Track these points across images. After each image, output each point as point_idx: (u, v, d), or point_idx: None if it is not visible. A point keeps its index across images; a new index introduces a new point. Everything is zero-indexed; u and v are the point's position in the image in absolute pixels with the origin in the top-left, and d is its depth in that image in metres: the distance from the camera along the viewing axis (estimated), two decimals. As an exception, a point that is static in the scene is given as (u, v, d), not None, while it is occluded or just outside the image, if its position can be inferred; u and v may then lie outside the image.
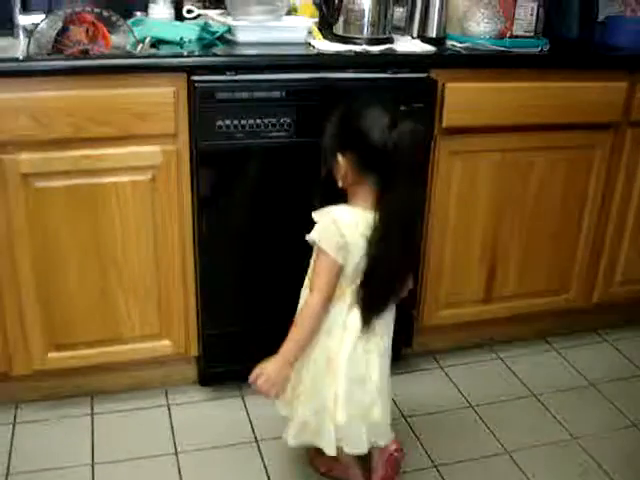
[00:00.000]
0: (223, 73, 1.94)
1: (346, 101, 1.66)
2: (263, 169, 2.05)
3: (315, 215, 1.63)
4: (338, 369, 1.67)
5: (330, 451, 1.70)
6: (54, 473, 1.95)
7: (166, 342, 2.18)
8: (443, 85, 2.10)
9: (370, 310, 1.66)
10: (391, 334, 1.75)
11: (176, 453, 2.04)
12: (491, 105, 2.17)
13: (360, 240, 1.60)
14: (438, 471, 2.02)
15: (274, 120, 1.98)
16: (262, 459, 2.03)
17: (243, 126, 1.96)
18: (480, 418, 2.25)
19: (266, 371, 1.65)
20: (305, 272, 2.14)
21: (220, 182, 2.03)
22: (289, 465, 2.02)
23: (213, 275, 2.13)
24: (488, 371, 2.50)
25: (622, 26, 2.45)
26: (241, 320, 2.22)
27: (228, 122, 1.95)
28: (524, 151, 2.28)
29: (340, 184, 1.64)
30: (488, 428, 2.20)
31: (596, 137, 2.35)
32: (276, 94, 1.97)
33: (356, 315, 1.66)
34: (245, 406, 2.24)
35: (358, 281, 1.64)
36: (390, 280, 1.67)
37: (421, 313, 2.39)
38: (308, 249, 2.14)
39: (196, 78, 1.92)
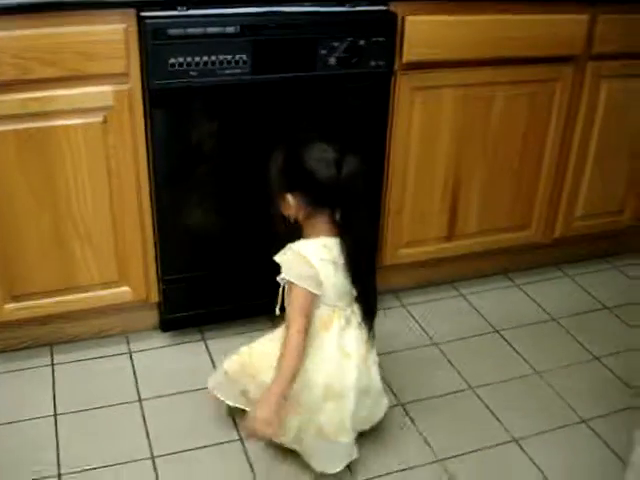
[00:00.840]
0: (174, 8, 1.86)
1: (287, 138, 1.72)
2: (219, 108, 1.99)
3: (277, 257, 1.68)
4: (344, 394, 1.70)
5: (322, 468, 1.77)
6: (15, 426, 1.91)
7: (125, 289, 2.13)
8: (403, 18, 2.04)
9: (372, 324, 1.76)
10: None
11: (140, 400, 2.02)
12: (452, 39, 2.12)
13: (329, 266, 1.65)
14: (404, 409, 2.03)
15: (229, 57, 1.91)
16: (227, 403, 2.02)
17: (197, 64, 1.89)
18: (443, 355, 2.26)
19: (261, 416, 1.60)
20: (264, 212, 2.13)
21: (175, 123, 1.96)
22: (255, 408, 2.01)
23: (171, 219, 2.08)
24: (450, 308, 2.51)
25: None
26: (201, 265, 2.18)
27: (181, 60, 1.87)
28: (485, 86, 2.25)
29: (292, 220, 1.71)
30: (452, 365, 2.22)
31: (557, 71, 2.32)
32: (230, 30, 1.90)
33: (353, 337, 1.73)
34: (208, 350, 2.22)
35: (342, 304, 1.71)
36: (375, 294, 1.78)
37: (383, 251, 2.38)
38: (267, 190, 2.11)
39: (146, 14, 1.83)
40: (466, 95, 2.23)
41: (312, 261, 1.63)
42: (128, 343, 2.24)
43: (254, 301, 2.30)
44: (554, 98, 2.36)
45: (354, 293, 1.72)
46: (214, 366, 2.14)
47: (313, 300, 1.66)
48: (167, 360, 2.18)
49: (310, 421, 1.71)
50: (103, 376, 2.10)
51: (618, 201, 2.67)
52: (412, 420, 2.00)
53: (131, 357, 2.18)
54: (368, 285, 1.73)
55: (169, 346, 2.24)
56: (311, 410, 1.71)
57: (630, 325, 2.46)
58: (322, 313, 1.70)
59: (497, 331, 2.39)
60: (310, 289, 1.64)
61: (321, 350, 1.70)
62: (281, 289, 1.71)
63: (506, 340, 2.35)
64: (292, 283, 1.65)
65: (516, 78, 2.26)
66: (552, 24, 2.22)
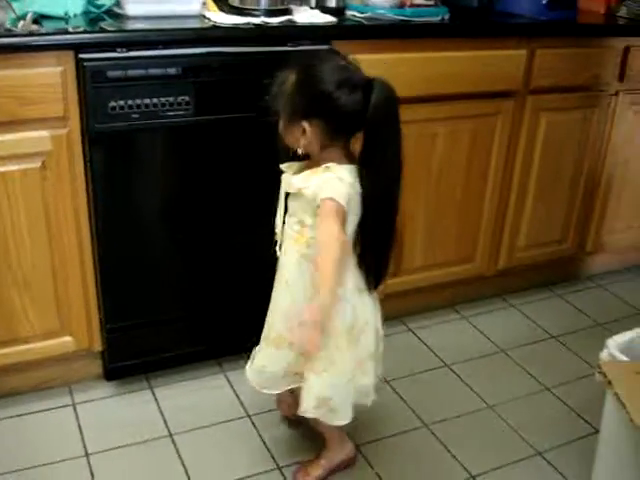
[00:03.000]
0: (114, 50, 1.81)
1: (295, 64, 1.56)
2: (162, 151, 1.95)
3: (298, 179, 1.56)
4: (364, 329, 1.68)
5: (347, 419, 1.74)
6: (-47, 489, 1.81)
7: (67, 338, 2.05)
8: (345, 57, 2.04)
9: (378, 272, 1.67)
10: None
11: (87, 455, 1.93)
12: (393, 77, 2.07)
13: (356, 197, 1.54)
14: (361, 452, 1.99)
15: (171, 99, 1.88)
16: (178, 453, 1.95)
17: (138, 106, 1.85)
18: (395, 392, 2.23)
19: (309, 319, 1.47)
20: (208, 256, 2.06)
21: (117, 167, 1.91)
22: (206, 457, 1.95)
23: (113, 265, 2.01)
24: (399, 344, 2.49)
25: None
26: (145, 311, 2.11)
27: (122, 102, 1.83)
28: (427, 122, 2.26)
29: (302, 152, 1.56)
30: (404, 402, 2.19)
31: (498, 106, 2.36)
32: (172, 71, 1.87)
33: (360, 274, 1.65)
34: (155, 399, 2.15)
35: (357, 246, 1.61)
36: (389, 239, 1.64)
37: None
38: (212, 233, 2.06)
39: (84, 56, 1.78)
40: (408, 133, 2.17)
41: (349, 189, 1.51)
42: (71, 394, 2.14)
43: (200, 346, 2.25)
44: (495, 132, 2.39)
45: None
46: (162, 415, 2.08)
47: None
48: (113, 411, 2.10)
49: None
50: (46, 431, 2.00)
51: (558, 231, 2.72)
52: (367, 460, 1.96)
53: (75, 409, 2.09)
54: (380, 234, 1.61)
55: (115, 396, 2.15)
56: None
57: (576, 353, 2.49)
58: None
59: (447, 366, 2.38)
60: (346, 207, 1.50)
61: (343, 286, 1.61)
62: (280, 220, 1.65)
63: (457, 374, 2.34)
64: (332, 200, 1.49)
65: (457, 114, 2.28)
66: (491, 60, 2.26)
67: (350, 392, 1.71)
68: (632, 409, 1.46)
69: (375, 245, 1.63)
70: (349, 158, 1.57)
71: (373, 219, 1.58)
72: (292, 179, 1.59)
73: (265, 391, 1.81)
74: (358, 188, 1.54)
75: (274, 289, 1.74)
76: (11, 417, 2.04)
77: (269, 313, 1.76)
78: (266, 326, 1.77)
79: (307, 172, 1.57)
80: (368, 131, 1.50)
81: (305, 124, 1.50)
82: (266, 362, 1.76)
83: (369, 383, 1.74)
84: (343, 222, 1.53)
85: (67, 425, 2.03)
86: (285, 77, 1.52)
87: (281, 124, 1.57)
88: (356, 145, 1.57)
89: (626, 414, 1.47)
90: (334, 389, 1.69)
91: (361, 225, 1.59)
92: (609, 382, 1.54)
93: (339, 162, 1.54)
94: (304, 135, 1.52)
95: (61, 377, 2.16)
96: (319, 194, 1.52)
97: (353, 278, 1.65)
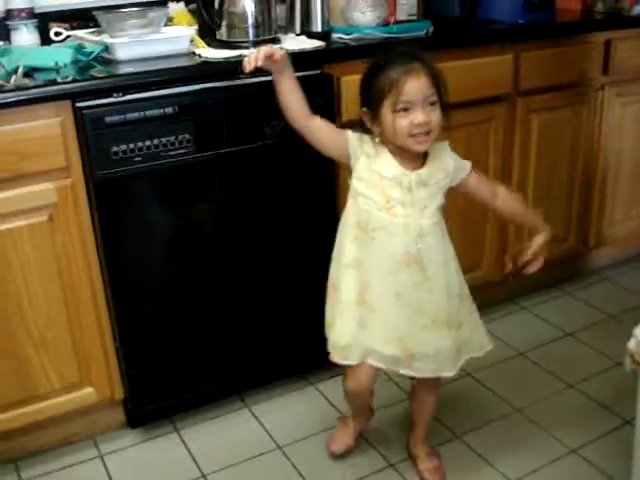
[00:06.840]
0: (110, 95, 1.81)
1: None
2: (168, 191, 1.94)
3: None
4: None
5: None
6: None
7: (88, 390, 2.03)
8: (338, 79, 2.05)
9: None
10: None
11: (121, 506, 1.91)
12: (387, 93, 2.13)
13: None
14: (396, 470, 1.97)
15: (172, 138, 1.88)
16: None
17: (140, 149, 1.84)
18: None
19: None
20: (222, 293, 2.05)
21: (124, 211, 1.90)
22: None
23: (128, 312, 2.00)
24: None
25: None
26: (163, 354, 2.09)
27: (124, 147, 1.83)
28: (424, 135, 2.27)
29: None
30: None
31: (490, 111, 2.38)
32: (169, 110, 1.87)
33: None
34: (183, 441, 2.12)
35: None
36: None
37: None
38: (229, 272, 2.05)
39: (82, 104, 1.78)
40: (406, 146, 2.23)
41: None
42: (97, 446, 2.11)
43: (221, 383, 2.23)
44: (489, 138, 2.41)
45: None
46: (193, 457, 2.05)
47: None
48: (143, 458, 2.07)
49: None
50: (78, 486, 1.98)
51: (561, 229, 2.72)
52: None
53: (103, 460, 2.06)
54: None
55: (142, 442, 2.12)
56: None
57: (593, 348, 2.49)
58: None
59: (468, 374, 2.37)
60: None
61: None
62: None
63: (479, 381, 2.34)
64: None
65: (453, 123, 2.27)
66: (480, 67, 2.28)
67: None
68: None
69: None
70: None
71: None
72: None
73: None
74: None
75: None
76: (40, 476, 2.01)
77: None
78: None
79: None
80: None
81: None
82: None
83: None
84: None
85: (98, 477, 2.00)
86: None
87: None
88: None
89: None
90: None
91: None
92: (645, 370, 1.54)
93: None
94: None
95: (84, 430, 2.13)
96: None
97: None
